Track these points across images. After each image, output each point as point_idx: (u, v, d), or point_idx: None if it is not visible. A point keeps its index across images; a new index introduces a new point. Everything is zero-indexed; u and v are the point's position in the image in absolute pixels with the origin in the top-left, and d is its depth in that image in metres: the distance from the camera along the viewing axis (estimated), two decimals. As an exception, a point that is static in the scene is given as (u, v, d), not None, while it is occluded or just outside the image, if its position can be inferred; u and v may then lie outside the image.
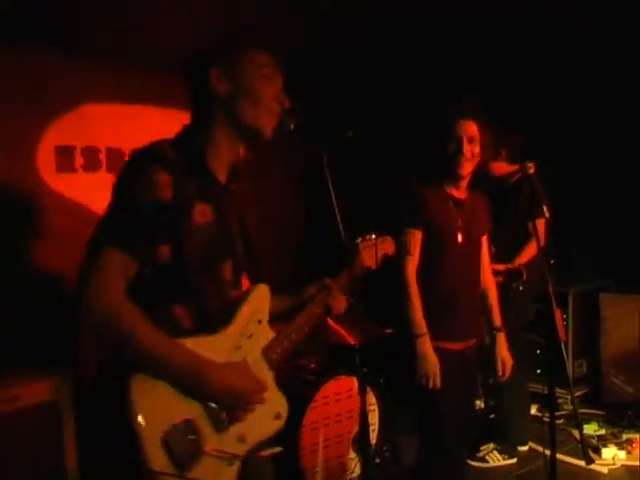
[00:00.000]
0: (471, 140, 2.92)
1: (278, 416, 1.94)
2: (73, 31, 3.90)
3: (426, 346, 2.86)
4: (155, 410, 1.61)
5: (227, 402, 1.74)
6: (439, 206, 2.98)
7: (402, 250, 2.89)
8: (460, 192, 3.04)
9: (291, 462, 3.59)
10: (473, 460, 4.13)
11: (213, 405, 1.72)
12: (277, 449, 2.74)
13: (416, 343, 2.86)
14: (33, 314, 3.94)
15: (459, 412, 3.01)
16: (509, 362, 3.18)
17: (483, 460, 4.15)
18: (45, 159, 4.23)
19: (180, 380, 1.66)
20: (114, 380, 1.63)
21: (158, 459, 1.59)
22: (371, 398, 3.84)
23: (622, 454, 4.11)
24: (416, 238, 2.93)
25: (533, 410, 4.76)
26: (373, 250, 2.26)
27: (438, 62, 5.08)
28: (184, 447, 1.64)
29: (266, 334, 1.93)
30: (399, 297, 2.98)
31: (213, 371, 1.71)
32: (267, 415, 1.88)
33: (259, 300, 1.92)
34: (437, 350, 2.91)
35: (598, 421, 4.67)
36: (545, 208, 2.93)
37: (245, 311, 1.86)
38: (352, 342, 3.75)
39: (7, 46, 3.92)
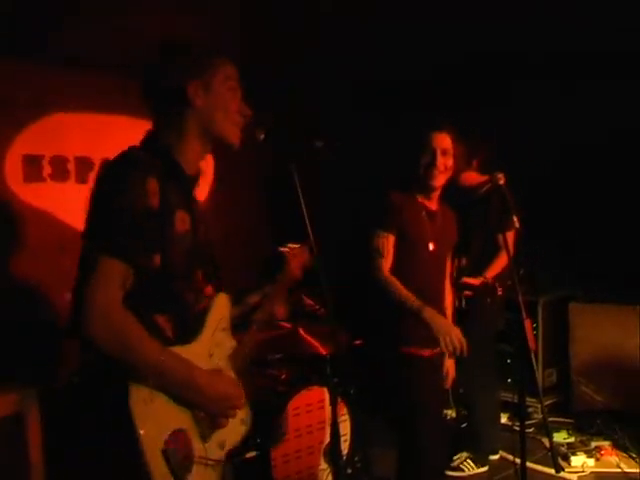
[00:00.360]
0: (445, 152, 2.96)
1: (243, 422, 1.98)
2: (41, 41, 3.86)
3: (432, 311, 2.84)
4: (155, 421, 1.63)
5: (215, 408, 1.80)
6: (412, 214, 3.01)
7: (374, 252, 2.93)
8: (432, 203, 3.09)
9: (263, 473, 3.56)
10: (448, 470, 4.13)
11: (201, 414, 1.76)
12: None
13: (423, 313, 2.82)
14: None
15: (435, 419, 3.03)
16: (452, 375, 3.22)
17: (458, 469, 4.15)
18: (12, 168, 4.18)
19: (177, 389, 1.69)
20: (109, 390, 1.63)
21: (159, 470, 1.61)
22: (342, 408, 3.82)
23: (591, 462, 4.14)
24: (389, 241, 2.95)
25: (504, 419, 4.79)
26: (297, 259, 2.33)
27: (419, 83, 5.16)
28: (180, 457, 1.67)
29: (230, 342, 1.98)
30: (378, 310, 2.99)
31: (204, 379, 1.75)
32: (237, 421, 1.92)
33: (222, 309, 1.95)
34: (407, 356, 2.93)
35: (568, 429, 4.71)
36: (515, 218, 2.95)
37: (212, 319, 1.88)
38: (323, 352, 3.74)
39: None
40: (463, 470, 4.14)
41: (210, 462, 1.77)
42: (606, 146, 4.87)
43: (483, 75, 4.99)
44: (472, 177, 3.96)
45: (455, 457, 4.19)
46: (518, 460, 2.76)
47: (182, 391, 1.70)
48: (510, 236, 3.66)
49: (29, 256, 4.17)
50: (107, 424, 1.63)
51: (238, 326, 2.04)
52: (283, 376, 4.00)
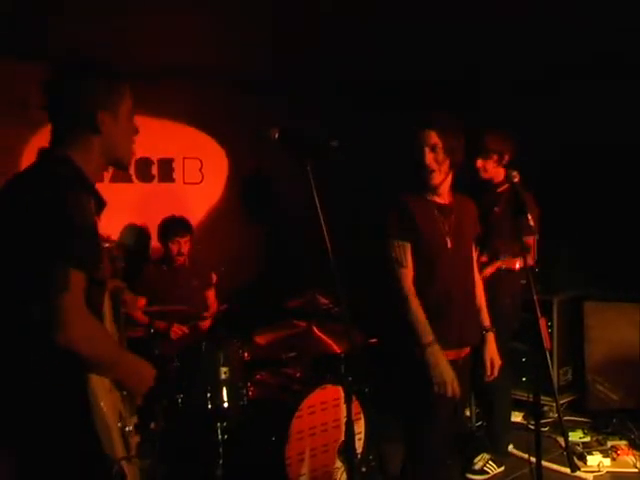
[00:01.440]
0: (433, 148, 2.90)
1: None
2: (56, 44, 3.89)
3: (437, 354, 2.81)
4: (111, 406, 1.88)
5: (139, 388, 2.05)
6: (425, 215, 2.97)
7: (394, 263, 2.89)
8: (442, 198, 3.03)
9: (277, 472, 3.58)
10: (473, 474, 4.08)
11: (125, 395, 2.02)
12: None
13: (426, 353, 2.80)
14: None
15: (450, 423, 3.02)
16: (497, 362, 3.17)
17: (483, 472, 4.09)
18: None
19: (124, 375, 1.96)
20: (69, 382, 1.80)
21: (120, 448, 1.86)
22: (357, 407, 3.83)
23: (607, 461, 4.11)
24: (407, 250, 2.91)
25: (519, 418, 4.78)
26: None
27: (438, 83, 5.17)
28: (124, 431, 1.95)
29: (113, 329, 2.16)
30: (395, 309, 2.96)
31: (142, 366, 2.04)
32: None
33: (108, 301, 2.11)
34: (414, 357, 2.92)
35: (583, 428, 4.68)
36: (530, 217, 2.93)
37: (107, 312, 2.08)
38: (337, 351, 3.75)
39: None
40: (488, 472, 4.09)
41: (132, 433, 2.03)
42: (623, 145, 4.85)
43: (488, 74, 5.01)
44: (490, 167, 4.02)
45: (476, 459, 4.12)
46: (533, 459, 2.76)
47: (127, 376, 1.97)
48: (530, 240, 3.71)
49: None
50: (64, 412, 1.81)
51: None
52: (298, 375, 4.02)
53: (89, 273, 1.78)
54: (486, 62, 4.77)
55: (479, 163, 4.03)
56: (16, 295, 1.79)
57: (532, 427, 3.76)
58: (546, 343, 2.89)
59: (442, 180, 2.96)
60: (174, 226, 4.47)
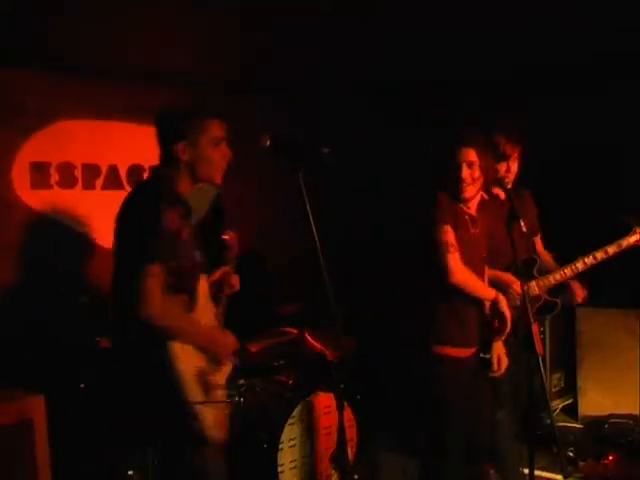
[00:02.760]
0: (470, 165, 3.04)
1: (232, 362, 2.79)
2: (48, 48, 3.88)
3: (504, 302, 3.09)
4: (187, 362, 2.45)
5: (222, 353, 2.64)
6: (459, 216, 3.11)
7: (446, 246, 2.99)
8: (470, 210, 3.18)
9: (269, 479, 3.57)
10: None
11: (210, 356, 2.58)
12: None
13: (498, 305, 3.07)
14: (7, 334, 3.90)
15: (469, 424, 3.06)
16: (505, 360, 3.24)
17: None
18: (20, 175, 4.19)
19: (198, 341, 2.52)
20: (155, 346, 2.39)
21: (196, 393, 2.46)
22: (349, 414, 3.83)
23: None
24: (453, 235, 3.02)
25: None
26: (234, 244, 3.05)
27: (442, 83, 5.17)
28: (204, 382, 2.51)
29: (212, 307, 2.79)
30: (416, 306, 3.09)
31: (216, 334, 2.68)
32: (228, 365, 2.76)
33: (204, 286, 2.70)
34: (440, 356, 2.99)
35: (575, 434, 4.68)
36: (522, 223, 2.93)
37: (202, 294, 2.65)
38: (330, 358, 3.74)
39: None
40: None
41: (220, 386, 2.63)
42: (616, 147, 4.88)
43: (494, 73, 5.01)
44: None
45: None
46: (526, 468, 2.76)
47: (200, 342, 2.53)
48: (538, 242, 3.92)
49: (36, 262, 4.19)
50: (152, 367, 2.42)
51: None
52: (290, 382, 4.00)
53: (166, 264, 2.35)
54: (484, 60, 4.76)
55: (503, 168, 3.91)
56: (125, 281, 2.38)
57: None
58: (539, 349, 2.90)
59: (474, 195, 3.13)
60: None
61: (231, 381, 2.81)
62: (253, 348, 3.90)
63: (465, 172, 3.04)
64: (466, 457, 3.07)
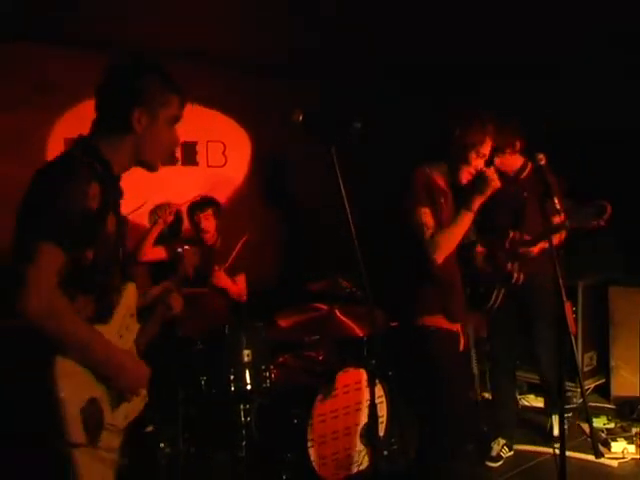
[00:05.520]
0: (482, 156, 3.03)
1: (143, 399, 2.16)
2: (83, 25, 3.91)
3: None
4: (74, 389, 1.83)
5: (126, 384, 2.01)
6: (434, 190, 3.07)
7: (420, 228, 2.96)
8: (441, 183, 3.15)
9: (299, 454, 3.60)
10: (490, 461, 4.05)
11: (112, 387, 1.97)
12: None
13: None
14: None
15: (463, 398, 3.07)
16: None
17: (499, 458, 4.06)
18: (55, 151, 4.24)
19: (98, 364, 1.91)
20: (35, 362, 1.81)
21: (77, 432, 1.82)
22: (379, 390, 3.83)
23: (632, 448, 4.07)
24: (428, 214, 2.99)
25: (540, 403, 4.77)
26: (190, 259, 2.73)
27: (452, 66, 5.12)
28: (93, 420, 1.88)
29: (135, 327, 2.18)
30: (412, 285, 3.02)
31: (121, 358, 1.99)
32: (140, 398, 2.13)
33: (131, 297, 2.15)
34: (438, 330, 2.98)
35: (608, 415, 4.64)
36: (557, 201, 2.90)
37: (122, 306, 2.09)
38: (360, 334, 3.74)
39: (17, 43, 3.95)
40: (502, 458, 4.07)
41: (116, 429, 2.00)
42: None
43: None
44: (508, 161, 3.95)
45: (492, 444, 4.11)
46: (557, 445, 2.74)
47: (102, 366, 1.91)
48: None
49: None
50: (33, 389, 1.82)
51: (141, 314, 2.23)
52: (320, 357, 4.02)
53: (66, 251, 1.80)
54: (487, 45, 4.70)
55: (497, 162, 3.92)
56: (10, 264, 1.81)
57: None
58: (571, 328, 2.87)
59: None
60: (196, 203, 4.54)
61: (134, 427, 2.18)
62: (283, 324, 3.91)
63: (477, 161, 3.01)
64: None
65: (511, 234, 3.78)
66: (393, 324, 3.74)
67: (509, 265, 3.82)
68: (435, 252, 2.93)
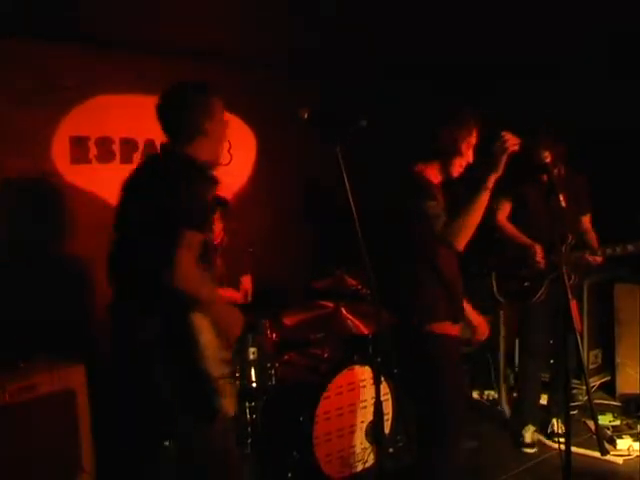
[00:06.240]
0: (472, 146, 3.02)
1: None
2: (88, 22, 3.90)
3: None
4: (207, 335, 2.45)
5: (232, 332, 2.60)
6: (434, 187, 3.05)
7: (432, 220, 2.86)
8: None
9: (304, 452, 3.61)
10: (526, 447, 4.19)
11: (222, 333, 2.54)
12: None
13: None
14: (47, 304, 3.98)
15: (461, 405, 3.07)
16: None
17: (533, 445, 4.21)
18: (60, 150, 4.25)
19: (219, 317, 2.51)
20: (178, 316, 2.41)
21: (215, 367, 2.46)
22: (385, 388, 3.84)
23: (637, 445, 4.08)
24: (436, 206, 2.92)
25: (544, 400, 4.78)
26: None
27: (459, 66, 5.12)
28: (221, 359, 2.51)
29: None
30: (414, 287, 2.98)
31: (233, 312, 2.63)
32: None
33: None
34: (445, 336, 2.94)
35: (613, 412, 4.65)
36: (561, 198, 2.89)
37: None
38: (365, 332, 3.75)
39: (22, 38, 3.95)
40: (536, 444, 4.19)
41: (229, 364, 2.59)
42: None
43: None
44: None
45: (523, 432, 4.21)
46: (562, 441, 2.74)
47: (222, 318, 2.53)
48: (587, 220, 4.12)
49: (75, 236, 4.26)
50: (178, 337, 2.42)
51: None
52: (325, 355, 4.03)
53: (202, 234, 2.38)
54: (487, 46, 4.70)
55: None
56: (158, 247, 2.34)
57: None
58: (577, 325, 2.87)
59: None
60: None
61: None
62: (288, 321, 3.91)
63: (469, 152, 3.00)
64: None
65: (569, 238, 3.94)
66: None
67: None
68: (455, 238, 2.81)
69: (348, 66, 5.20)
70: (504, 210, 4.19)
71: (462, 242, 2.82)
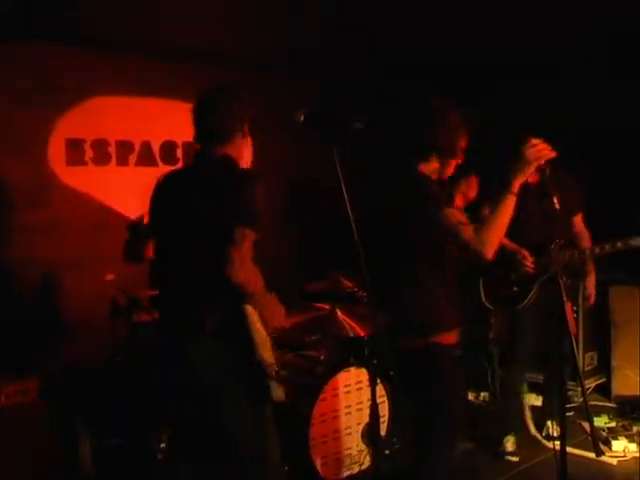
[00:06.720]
0: (464, 148, 3.00)
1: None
2: (85, 25, 3.91)
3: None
4: (262, 328, 2.61)
5: (277, 322, 2.72)
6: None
7: (454, 229, 2.76)
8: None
9: (300, 454, 3.61)
10: (512, 456, 4.09)
11: (268, 323, 2.66)
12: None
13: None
14: (34, 308, 3.98)
15: (460, 408, 3.06)
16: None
17: (516, 453, 4.11)
18: (56, 152, 4.26)
19: (268, 311, 2.65)
20: (236, 310, 2.55)
21: (269, 354, 2.61)
22: (381, 390, 3.84)
23: (633, 446, 4.08)
24: (455, 213, 2.83)
25: (539, 402, 4.79)
26: None
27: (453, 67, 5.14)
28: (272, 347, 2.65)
29: None
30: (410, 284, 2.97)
31: (277, 305, 2.74)
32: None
33: None
34: (447, 346, 2.90)
35: (609, 414, 4.66)
36: (555, 200, 2.90)
37: None
38: (361, 333, 3.75)
39: (20, 40, 3.95)
40: (519, 452, 4.11)
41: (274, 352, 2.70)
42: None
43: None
44: None
45: (505, 442, 4.12)
46: (558, 443, 2.74)
47: (269, 311, 2.65)
48: (579, 219, 4.05)
49: (70, 237, 4.25)
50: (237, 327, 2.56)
51: None
52: (321, 357, 4.02)
53: (257, 233, 2.52)
54: (487, 46, 4.72)
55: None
56: (214, 245, 2.48)
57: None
58: (572, 328, 2.87)
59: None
60: None
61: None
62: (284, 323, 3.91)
63: (461, 154, 2.98)
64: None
65: (558, 239, 3.81)
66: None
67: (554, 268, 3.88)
68: (484, 248, 2.69)
69: (348, 66, 5.21)
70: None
71: (491, 251, 2.72)
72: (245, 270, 2.47)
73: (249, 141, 2.83)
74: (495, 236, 2.72)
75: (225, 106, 2.71)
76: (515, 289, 4.00)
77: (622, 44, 4.58)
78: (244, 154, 2.81)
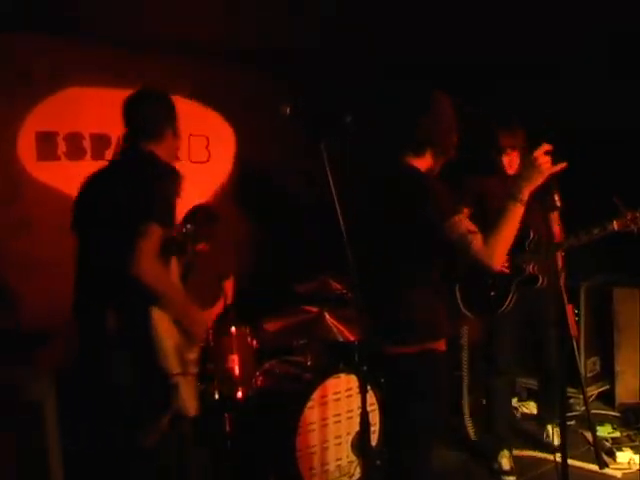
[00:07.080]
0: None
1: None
2: (58, 13, 3.89)
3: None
4: (166, 331, 2.62)
5: (196, 331, 2.79)
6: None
7: (462, 238, 2.72)
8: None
9: (287, 465, 3.61)
10: (508, 475, 4.05)
11: (186, 332, 2.73)
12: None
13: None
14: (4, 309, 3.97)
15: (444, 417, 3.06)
16: None
17: (513, 471, 4.08)
18: (26, 146, 4.23)
19: (183, 316, 2.71)
20: (139, 311, 2.59)
21: (174, 365, 2.62)
22: (372, 397, 3.85)
23: (638, 458, 4.07)
24: (462, 220, 2.78)
25: (535, 410, 4.82)
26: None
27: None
28: (182, 357, 2.67)
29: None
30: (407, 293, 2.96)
31: (196, 311, 2.82)
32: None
33: (175, 264, 2.88)
34: (439, 353, 2.91)
35: (612, 423, 4.67)
36: (557, 197, 2.93)
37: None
38: (351, 338, 3.76)
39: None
40: (514, 470, 4.08)
41: (192, 364, 2.76)
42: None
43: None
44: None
45: (499, 458, 4.10)
46: (559, 455, 2.76)
47: (184, 316, 2.71)
48: (554, 217, 3.84)
49: (42, 236, 4.24)
50: (137, 332, 2.59)
51: None
52: (309, 363, 4.03)
53: (163, 228, 2.57)
54: (487, 46, 4.76)
55: (505, 160, 4.04)
56: (118, 243, 2.54)
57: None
58: (573, 331, 2.89)
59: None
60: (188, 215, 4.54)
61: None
62: (270, 327, 3.92)
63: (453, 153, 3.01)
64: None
65: (532, 234, 3.84)
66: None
67: (530, 267, 3.90)
68: (492, 258, 2.68)
69: (348, 66, 5.25)
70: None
71: (499, 262, 2.72)
72: (149, 265, 2.52)
73: (178, 140, 3.00)
74: (503, 246, 2.71)
75: (154, 104, 2.92)
76: (492, 293, 3.97)
77: (622, 44, 4.64)
78: (175, 153, 3.03)
